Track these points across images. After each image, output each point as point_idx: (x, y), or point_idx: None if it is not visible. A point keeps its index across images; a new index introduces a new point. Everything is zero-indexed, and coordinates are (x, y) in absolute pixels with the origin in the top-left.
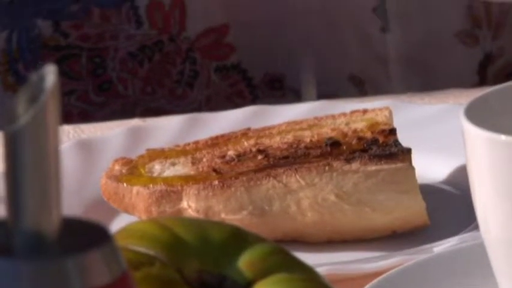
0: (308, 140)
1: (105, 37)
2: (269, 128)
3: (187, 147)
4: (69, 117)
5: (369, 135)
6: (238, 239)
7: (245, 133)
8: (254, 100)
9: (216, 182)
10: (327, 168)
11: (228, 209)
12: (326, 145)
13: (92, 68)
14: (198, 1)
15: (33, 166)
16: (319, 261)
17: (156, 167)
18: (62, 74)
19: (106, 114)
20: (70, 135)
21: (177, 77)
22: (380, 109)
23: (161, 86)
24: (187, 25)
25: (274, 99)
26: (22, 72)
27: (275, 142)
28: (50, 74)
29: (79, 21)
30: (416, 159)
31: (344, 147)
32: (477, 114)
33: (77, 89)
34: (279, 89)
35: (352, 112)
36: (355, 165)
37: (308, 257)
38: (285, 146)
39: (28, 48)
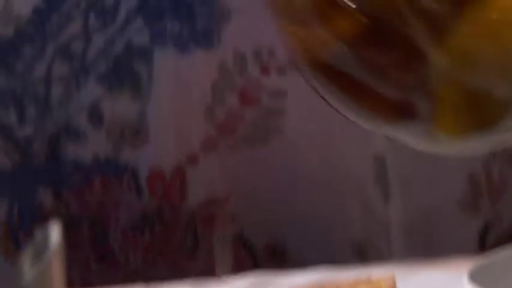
0: None
1: (106, 206)
2: None
3: None
4: (70, 286)
5: None
6: None
7: None
8: (256, 269)
9: None
10: None
11: None
12: None
13: (93, 238)
14: (199, 171)
15: None
16: None
17: None
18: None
19: (107, 284)
20: None
21: (178, 246)
22: (384, 277)
23: (162, 256)
24: (188, 195)
25: (276, 268)
26: (22, 241)
27: None
28: (55, 231)
29: (80, 190)
30: None
31: None
32: (480, 282)
33: (78, 259)
34: (281, 258)
35: (356, 280)
36: None
37: None
38: None
39: (29, 218)
